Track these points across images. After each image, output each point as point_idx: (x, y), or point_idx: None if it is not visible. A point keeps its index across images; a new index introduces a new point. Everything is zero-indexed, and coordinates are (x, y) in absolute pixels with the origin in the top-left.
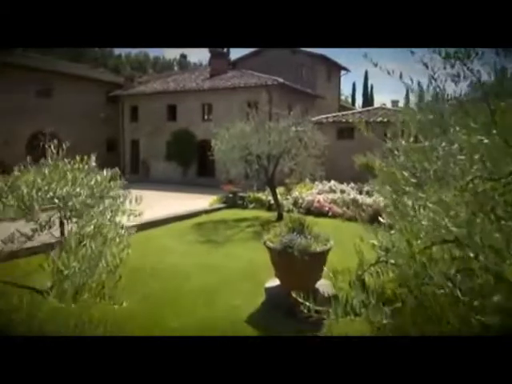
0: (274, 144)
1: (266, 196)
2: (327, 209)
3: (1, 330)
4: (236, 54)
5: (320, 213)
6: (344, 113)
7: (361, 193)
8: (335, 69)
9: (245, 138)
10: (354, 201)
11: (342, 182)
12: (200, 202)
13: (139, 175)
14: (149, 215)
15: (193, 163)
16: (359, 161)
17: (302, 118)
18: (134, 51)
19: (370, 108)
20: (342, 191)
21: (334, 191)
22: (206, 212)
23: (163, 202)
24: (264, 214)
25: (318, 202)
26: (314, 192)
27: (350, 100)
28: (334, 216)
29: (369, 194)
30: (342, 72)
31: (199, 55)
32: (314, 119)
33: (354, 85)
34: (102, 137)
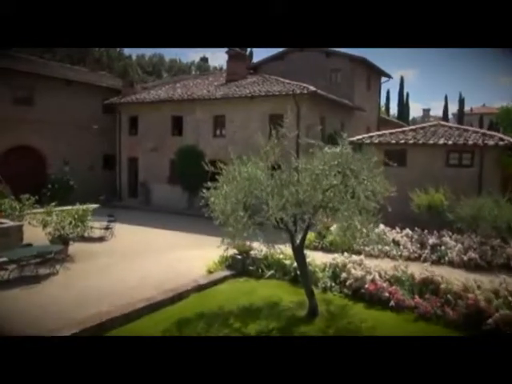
0: (306, 197)
1: (291, 259)
2: (387, 294)
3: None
4: (258, 57)
5: (374, 297)
6: (392, 131)
7: (423, 246)
8: (375, 75)
9: (257, 188)
10: (431, 282)
11: (392, 227)
12: (201, 254)
13: (138, 200)
14: (112, 290)
15: (201, 188)
16: (418, 199)
17: (351, 151)
18: (148, 53)
19: (424, 125)
20: (396, 243)
21: (383, 241)
22: (199, 288)
23: (144, 262)
24: (286, 295)
25: (374, 282)
26: (366, 261)
27: (383, 110)
28: (399, 307)
29: (436, 250)
30: (383, 79)
31: (222, 58)
32: (353, 139)
33: (388, 93)
34: (98, 153)
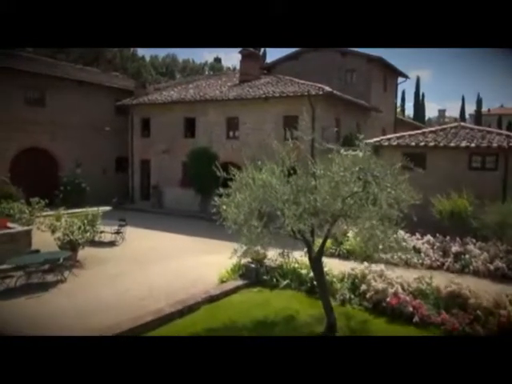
0: (324, 205)
1: (307, 268)
2: (411, 309)
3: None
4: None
5: (396, 312)
6: (412, 133)
7: (445, 254)
8: (391, 75)
9: (272, 196)
10: (458, 296)
11: (413, 233)
12: (213, 261)
13: (151, 203)
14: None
15: (214, 191)
16: (440, 204)
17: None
18: (161, 54)
19: (445, 126)
20: (417, 250)
21: (404, 248)
22: (211, 300)
23: (155, 270)
24: (303, 308)
25: (396, 295)
26: (387, 272)
27: (399, 111)
28: (424, 323)
29: (459, 258)
30: (399, 79)
31: (236, 59)
32: (370, 141)
33: (403, 93)
34: (111, 155)
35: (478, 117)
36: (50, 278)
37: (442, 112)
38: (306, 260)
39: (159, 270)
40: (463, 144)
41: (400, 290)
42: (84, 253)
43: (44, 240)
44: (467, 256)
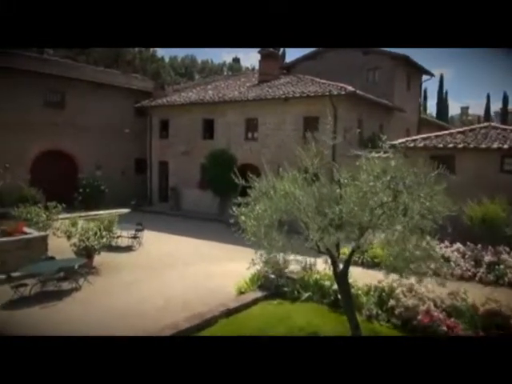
0: (351, 217)
1: (330, 280)
2: (446, 328)
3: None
4: (291, 56)
5: (428, 331)
6: (439, 133)
7: (477, 263)
8: (415, 73)
9: (294, 207)
10: (496, 315)
11: (441, 240)
12: (232, 268)
13: (169, 204)
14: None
15: (232, 194)
16: (472, 211)
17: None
18: (180, 54)
19: (474, 127)
20: (447, 259)
21: (432, 257)
22: (228, 313)
23: (172, 278)
24: (327, 323)
25: (428, 312)
26: (416, 284)
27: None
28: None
29: (492, 269)
30: (424, 77)
31: (255, 58)
32: (395, 142)
33: (425, 92)
34: (130, 157)
35: (503, 115)
36: (65, 285)
37: (464, 109)
38: (328, 271)
39: (176, 277)
40: (495, 145)
41: (432, 306)
42: (100, 258)
43: (58, 246)
44: (501, 266)
